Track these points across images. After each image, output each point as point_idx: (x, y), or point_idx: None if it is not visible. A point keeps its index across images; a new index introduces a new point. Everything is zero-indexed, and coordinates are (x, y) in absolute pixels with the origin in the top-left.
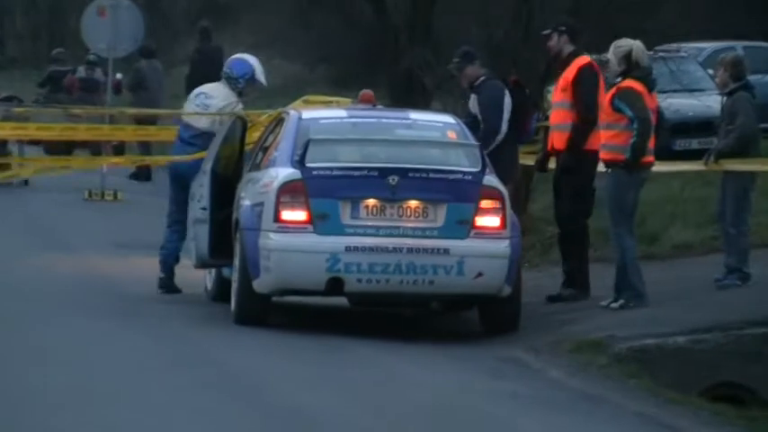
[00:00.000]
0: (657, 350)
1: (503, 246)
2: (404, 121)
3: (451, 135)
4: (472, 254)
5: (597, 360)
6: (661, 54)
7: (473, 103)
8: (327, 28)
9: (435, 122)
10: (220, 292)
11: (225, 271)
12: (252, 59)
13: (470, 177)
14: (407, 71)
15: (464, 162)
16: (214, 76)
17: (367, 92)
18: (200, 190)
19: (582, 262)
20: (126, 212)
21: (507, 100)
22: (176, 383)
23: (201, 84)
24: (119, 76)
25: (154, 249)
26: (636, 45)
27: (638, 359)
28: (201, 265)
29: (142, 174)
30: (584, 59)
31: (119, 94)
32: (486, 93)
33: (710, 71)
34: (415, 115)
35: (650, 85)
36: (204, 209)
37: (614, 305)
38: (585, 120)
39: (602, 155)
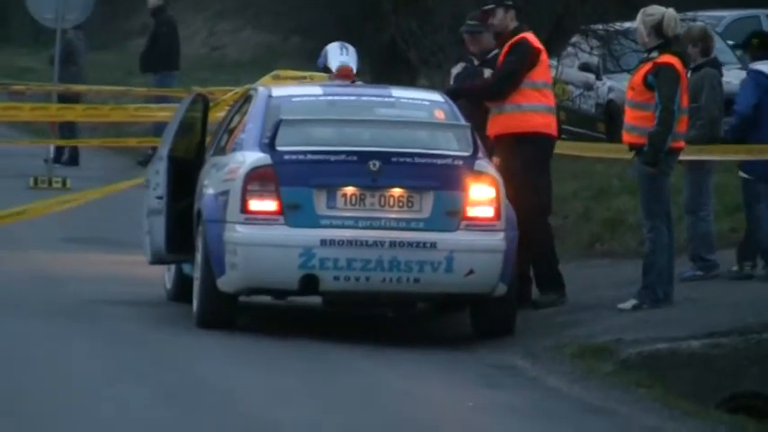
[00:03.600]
0: (670, 356)
1: (497, 239)
2: (386, 99)
3: (439, 115)
4: (463, 248)
5: (602, 367)
6: None
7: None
8: None
9: (421, 101)
10: (181, 291)
11: (186, 268)
12: (330, 45)
13: (461, 162)
14: (391, 43)
15: (454, 145)
16: (173, 53)
17: (345, 66)
18: (156, 177)
19: (553, 261)
20: None
21: None
22: (133, 394)
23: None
24: None
25: (107, 244)
26: (668, 13)
27: (648, 366)
28: (158, 260)
29: (70, 157)
30: (523, 35)
31: None
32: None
33: (731, 42)
34: (399, 93)
35: (687, 61)
36: (160, 198)
37: (625, 305)
38: (487, 87)
39: (628, 137)
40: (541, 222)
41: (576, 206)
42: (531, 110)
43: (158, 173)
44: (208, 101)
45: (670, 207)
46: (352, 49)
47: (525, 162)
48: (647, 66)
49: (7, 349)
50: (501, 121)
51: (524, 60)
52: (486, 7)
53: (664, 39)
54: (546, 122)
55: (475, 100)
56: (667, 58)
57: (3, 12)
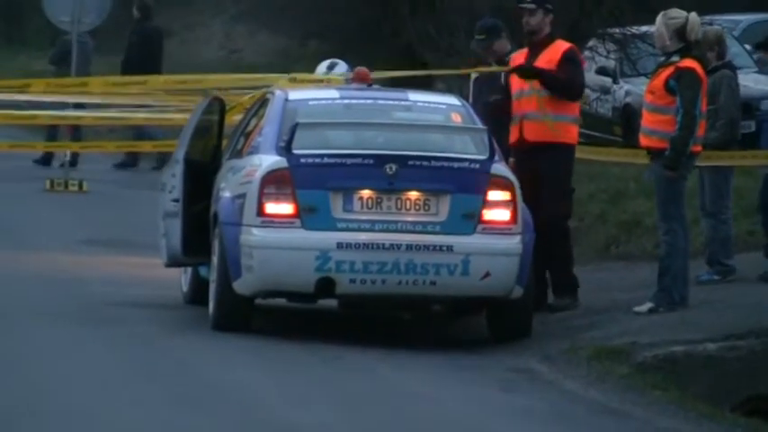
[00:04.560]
0: (686, 358)
1: (513, 242)
2: (403, 102)
3: (456, 118)
4: (479, 251)
5: (618, 370)
6: None
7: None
8: None
9: (438, 104)
10: (197, 294)
11: (202, 270)
12: (320, 65)
13: (477, 166)
14: (408, 46)
15: (470, 148)
16: (153, 63)
17: (362, 69)
18: (172, 180)
19: (570, 265)
20: (93, 205)
21: None
22: (148, 398)
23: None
24: None
25: (125, 246)
26: (691, 17)
27: (663, 369)
28: (174, 263)
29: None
30: (566, 43)
31: None
32: None
33: (747, 46)
34: (416, 96)
35: (706, 65)
36: (176, 201)
37: (641, 308)
38: (573, 87)
39: (646, 141)
40: (565, 227)
41: (593, 209)
42: (569, 121)
43: (174, 176)
44: (224, 104)
45: (686, 210)
46: (342, 64)
47: (558, 170)
48: (669, 70)
49: (26, 350)
50: (536, 129)
51: (582, 71)
52: (525, 5)
53: (685, 43)
54: (574, 134)
55: (556, 89)
56: (689, 63)
57: (18, 15)
